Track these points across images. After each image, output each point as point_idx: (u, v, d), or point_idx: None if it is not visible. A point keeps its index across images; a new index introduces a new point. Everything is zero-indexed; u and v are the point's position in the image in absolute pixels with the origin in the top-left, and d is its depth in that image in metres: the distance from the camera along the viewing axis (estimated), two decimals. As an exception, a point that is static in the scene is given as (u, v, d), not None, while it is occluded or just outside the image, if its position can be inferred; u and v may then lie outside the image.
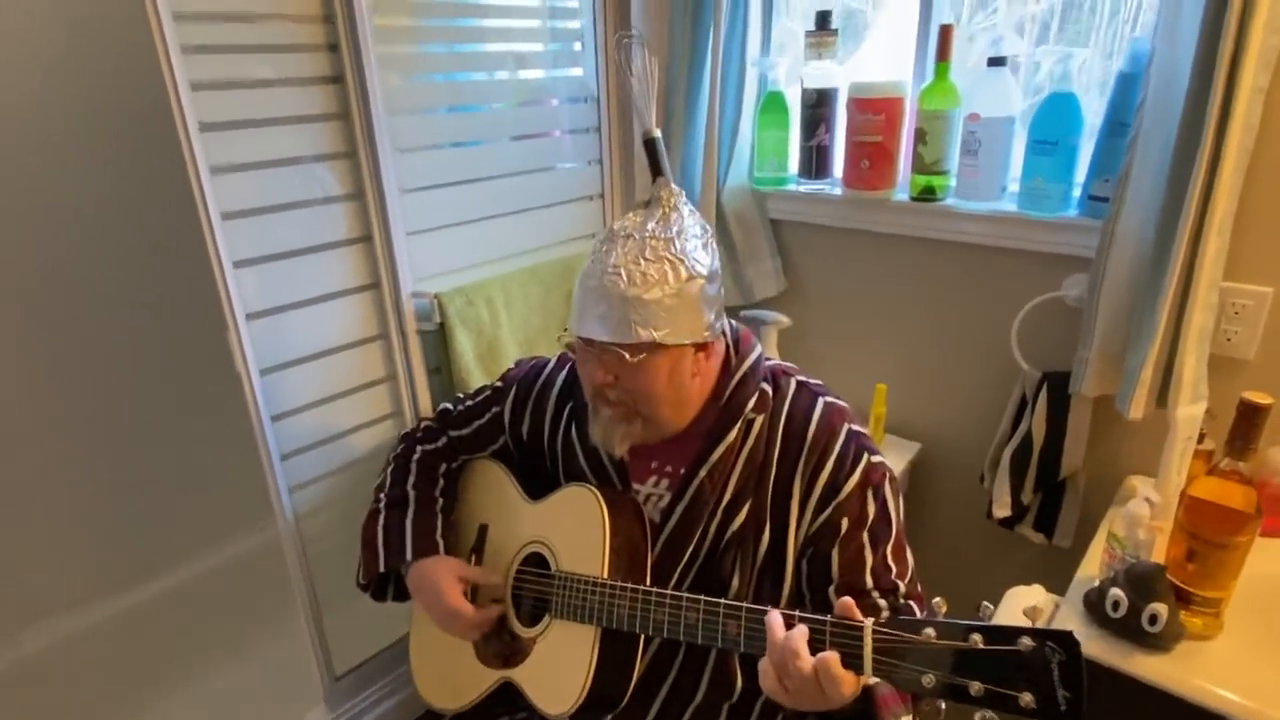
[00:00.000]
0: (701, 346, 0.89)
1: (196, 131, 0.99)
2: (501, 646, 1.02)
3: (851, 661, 0.67)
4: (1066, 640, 0.60)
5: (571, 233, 1.53)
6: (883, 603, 0.86)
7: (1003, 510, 1.30)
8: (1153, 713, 0.89)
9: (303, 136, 1.11)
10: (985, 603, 0.65)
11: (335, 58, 1.11)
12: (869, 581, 0.87)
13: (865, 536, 0.88)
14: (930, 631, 0.65)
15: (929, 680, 0.64)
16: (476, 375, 1.31)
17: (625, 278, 0.83)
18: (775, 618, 0.73)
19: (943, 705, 0.65)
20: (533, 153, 1.43)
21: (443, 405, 1.18)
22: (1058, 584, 1.04)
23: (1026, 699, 0.61)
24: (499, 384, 1.13)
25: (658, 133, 0.96)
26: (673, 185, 0.91)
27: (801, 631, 0.70)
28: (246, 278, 1.08)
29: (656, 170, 0.95)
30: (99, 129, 1.53)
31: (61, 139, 1.49)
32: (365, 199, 1.18)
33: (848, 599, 0.72)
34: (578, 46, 1.46)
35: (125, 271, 1.62)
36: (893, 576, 0.88)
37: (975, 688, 0.62)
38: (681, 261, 0.85)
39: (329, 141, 1.13)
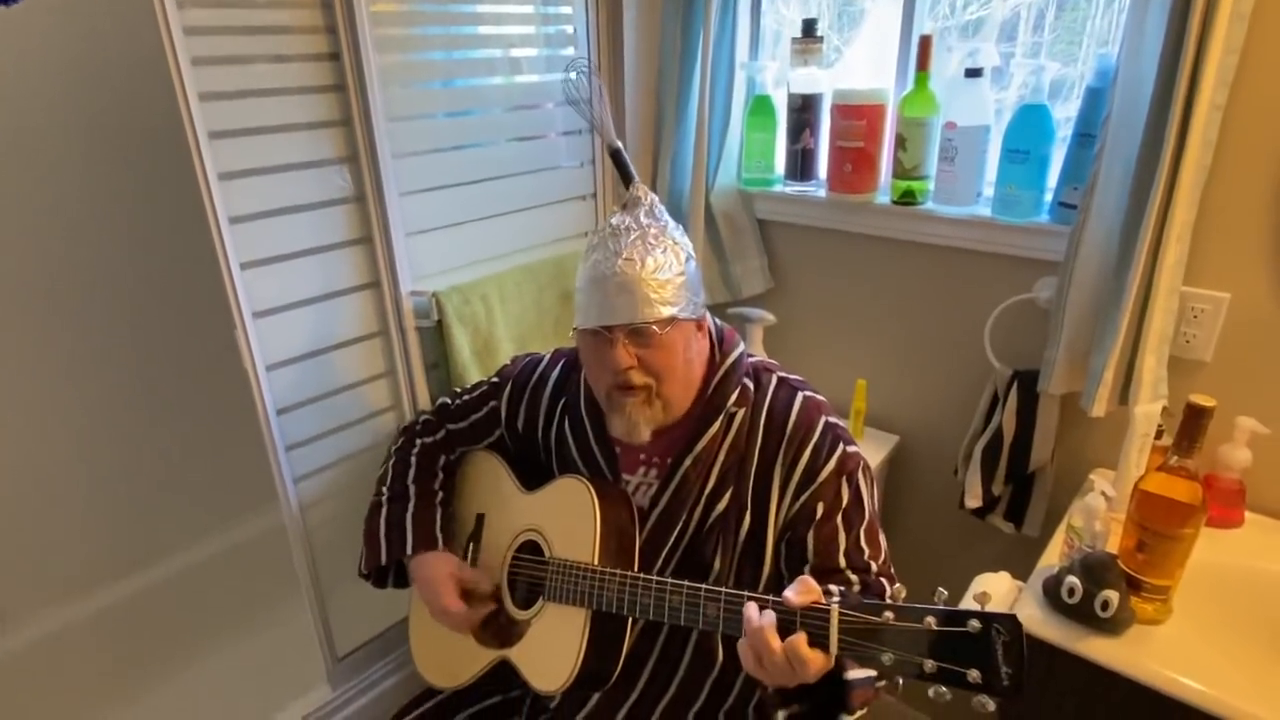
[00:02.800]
0: (699, 325, 0.98)
1: (205, 140, 1.03)
2: (498, 628, 1.07)
3: (819, 641, 0.73)
4: (1010, 623, 0.67)
5: (564, 231, 1.57)
6: (854, 579, 0.92)
7: (974, 501, 1.36)
8: (1105, 693, 0.95)
9: (306, 143, 1.14)
10: (940, 588, 0.71)
11: (338, 67, 1.14)
12: (842, 562, 0.93)
13: (839, 520, 0.94)
14: (890, 614, 0.71)
15: (888, 658, 0.70)
16: (473, 371, 1.35)
17: (640, 263, 0.91)
18: (751, 606, 0.79)
19: (900, 681, 0.71)
20: (528, 154, 1.47)
21: (441, 399, 1.23)
22: (1025, 571, 1.09)
23: (974, 675, 0.67)
24: (495, 380, 1.18)
25: (619, 143, 1.05)
26: (643, 185, 0.99)
27: (771, 616, 0.76)
28: (253, 278, 1.12)
29: (626, 176, 1.03)
30: (114, 140, 1.58)
31: (79, 151, 1.55)
32: (366, 202, 1.22)
33: (805, 576, 0.78)
34: (570, 50, 1.50)
35: (140, 272, 1.67)
36: (865, 557, 0.94)
37: (929, 665, 0.69)
38: (678, 245, 0.95)
39: (331, 147, 1.17)
